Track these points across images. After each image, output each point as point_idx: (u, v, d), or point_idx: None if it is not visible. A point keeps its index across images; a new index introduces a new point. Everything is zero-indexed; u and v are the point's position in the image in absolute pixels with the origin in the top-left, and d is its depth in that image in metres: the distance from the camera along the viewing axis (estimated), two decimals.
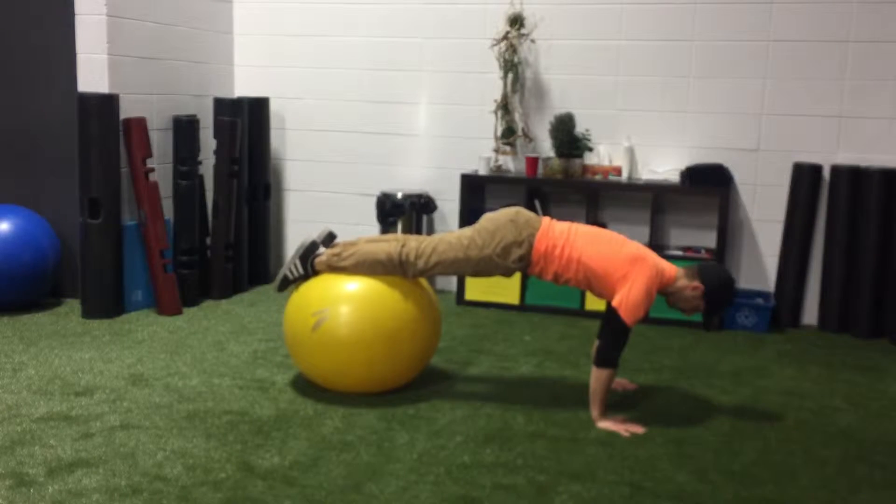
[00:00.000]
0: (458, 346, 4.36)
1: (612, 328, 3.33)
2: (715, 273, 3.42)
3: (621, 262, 3.32)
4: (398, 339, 3.48)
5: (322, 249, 3.58)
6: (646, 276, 3.30)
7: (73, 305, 4.85)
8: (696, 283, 3.36)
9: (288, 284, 3.64)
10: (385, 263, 3.47)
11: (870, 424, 3.47)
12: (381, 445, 3.10)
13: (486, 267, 3.46)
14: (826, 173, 4.89)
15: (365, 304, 3.46)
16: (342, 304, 3.46)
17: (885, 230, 4.70)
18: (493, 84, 5.24)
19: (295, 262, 3.59)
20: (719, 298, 3.41)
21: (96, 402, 3.43)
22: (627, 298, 3.28)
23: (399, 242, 3.50)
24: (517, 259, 3.41)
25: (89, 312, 4.63)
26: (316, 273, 3.57)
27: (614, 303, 3.31)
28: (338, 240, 3.67)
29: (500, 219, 3.47)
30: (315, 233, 3.67)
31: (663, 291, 3.41)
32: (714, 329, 4.71)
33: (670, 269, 3.42)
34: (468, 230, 3.51)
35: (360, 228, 5.63)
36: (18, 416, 3.28)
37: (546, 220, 3.49)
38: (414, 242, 3.49)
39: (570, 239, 3.40)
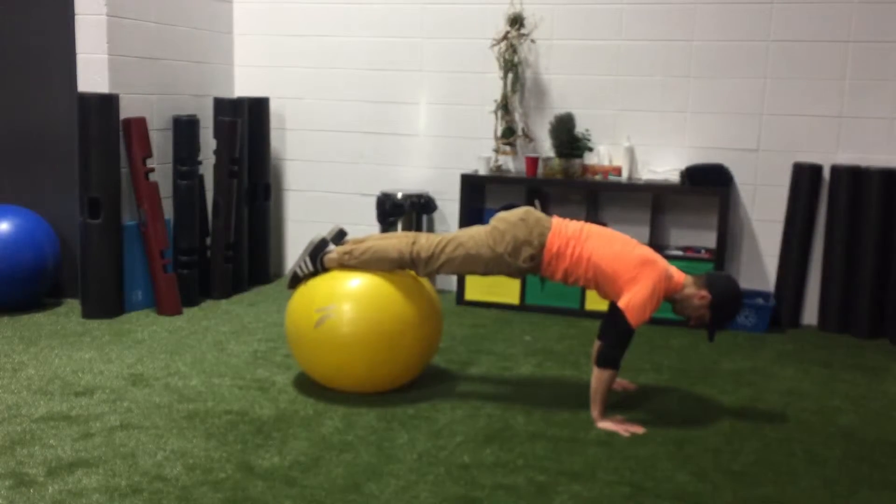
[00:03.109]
0: (458, 346, 4.36)
1: (617, 329, 3.33)
2: (723, 284, 3.40)
3: (631, 264, 3.32)
4: (400, 338, 3.48)
5: (332, 247, 3.58)
6: (653, 279, 3.30)
7: (73, 305, 4.85)
8: (704, 293, 3.35)
9: (298, 282, 3.64)
10: (396, 261, 3.48)
11: (870, 424, 3.47)
12: (381, 445, 3.10)
13: (496, 266, 3.45)
14: (826, 173, 4.89)
15: (367, 303, 3.46)
16: (345, 302, 3.46)
17: (885, 230, 4.70)
18: (493, 84, 5.24)
19: (305, 260, 3.58)
20: (726, 310, 3.38)
21: (96, 402, 3.43)
22: (634, 300, 3.27)
23: (410, 240, 3.49)
24: (528, 258, 3.40)
25: (89, 312, 4.63)
26: (326, 270, 3.57)
27: (621, 304, 3.30)
28: (348, 237, 3.67)
29: (510, 218, 3.46)
30: (325, 230, 3.67)
31: (670, 298, 3.40)
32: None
33: (679, 275, 3.41)
34: (480, 229, 3.50)
35: (360, 228, 5.61)
36: (18, 416, 3.28)
37: (557, 219, 3.48)
38: (424, 240, 3.49)
39: (581, 238, 3.39)
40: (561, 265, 3.40)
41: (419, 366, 3.67)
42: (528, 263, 3.41)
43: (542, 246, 3.39)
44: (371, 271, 3.50)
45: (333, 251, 3.56)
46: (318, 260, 3.57)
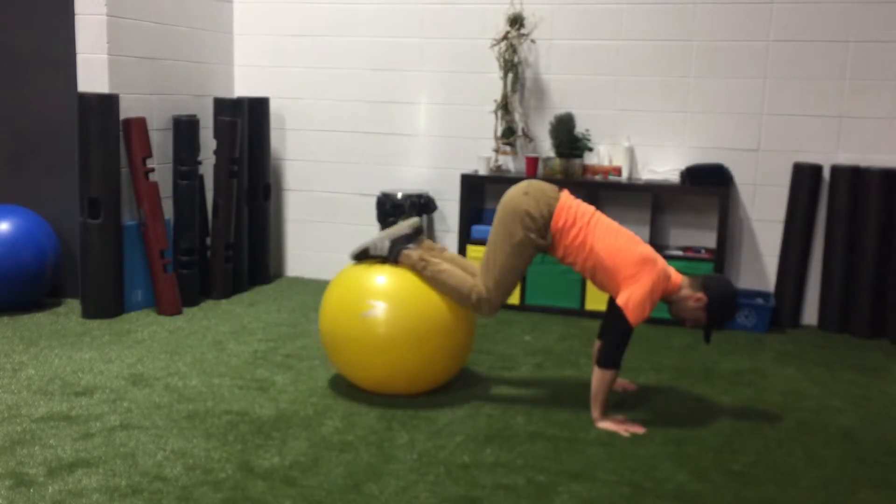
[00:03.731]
0: None
1: (617, 328, 3.33)
2: (720, 286, 3.40)
3: (632, 261, 3.32)
4: (438, 341, 3.49)
5: (412, 245, 3.55)
6: (652, 278, 3.30)
7: (73, 305, 4.85)
8: (700, 295, 3.35)
9: (365, 258, 3.60)
10: (463, 296, 3.46)
11: (870, 424, 3.47)
12: (381, 445, 3.10)
13: (527, 251, 3.40)
14: (826, 173, 4.89)
15: (412, 304, 3.46)
16: (392, 301, 3.44)
17: (885, 230, 4.70)
18: (493, 84, 5.24)
19: (384, 243, 3.55)
20: (722, 312, 3.38)
21: (96, 402, 3.43)
22: (633, 298, 3.27)
23: (479, 287, 3.45)
24: (542, 230, 3.37)
25: (89, 312, 4.63)
26: (396, 262, 3.54)
27: (619, 302, 3.31)
28: (421, 236, 3.64)
29: (513, 198, 3.42)
30: (409, 222, 3.62)
31: (666, 299, 3.40)
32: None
33: (676, 276, 3.41)
34: (493, 235, 3.47)
35: (360, 228, 5.64)
36: (18, 416, 3.28)
37: (566, 194, 3.47)
38: (482, 284, 3.45)
39: (590, 224, 3.38)
40: (562, 242, 3.39)
41: (453, 369, 3.67)
42: (546, 239, 3.38)
43: (550, 216, 3.37)
44: (434, 288, 3.48)
45: (414, 252, 3.53)
46: (396, 250, 3.54)
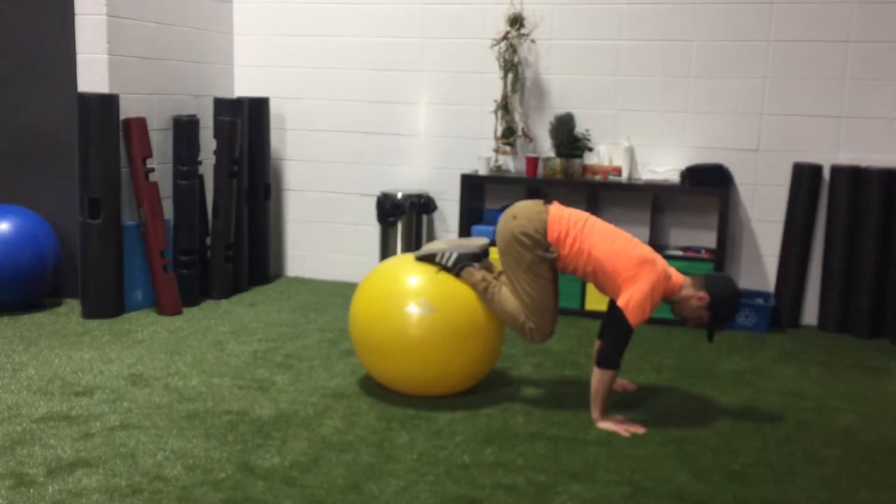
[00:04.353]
0: None
1: (617, 329, 3.33)
2: (721, 284, 3.39)
3: (631, 262, 3.32)
4: (475, 345, 3.51)
5: (476, 264, 3.55)
6: (652, 279, 3.30)
7: (73, 305, 4.85)
8: (702, 294, 3.35)
9: (429, 262, 3.58)
10: (513, 322, 3.49)
11: (870, 424, 3.47)
12: (381, 445, 3.10)
13: (540, 267, 3.42)
14: (826, 173, 4.89)
15: (456, 311, 3.46)
16: (441, 305, 3.44)
17: (885, 230, 4.70)
18: (493, 84, 5.24)
19: (452, 254, 3.54)
20: (724, 310, 3.38)
21: (96, 402, 3.43)
22: (633, 300, 3.28)
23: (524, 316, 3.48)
24: (542, 242, 3.39)
25: (89, 312, 4.64)
26: (457, 274, 3.53)
27: (620, 303, 3.31)
28: (485, 259, 3.65)
29: (505, 226, 3.46)
30: (477, 243, 3.61)
31: (668, 299, 3.40)
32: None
33: (677, 276, 3.41)
34: (506, 267, 3.49)
35: (360, 228, 5.64)
36: (18, 416, 3.28)
37: (555, 207, 3.48)
38: (524, 317, 3.48)
39: (584, 231, 3.40)
40: (560, 253, 3.40)
41: (484, 373, 3.69)
42: (548, 252, 3.40)
43: (545, 232, 3.39)
44: (489, 310, 3.50)
45: (477, 272, 3.52)
46: (461, 265, 3.54)
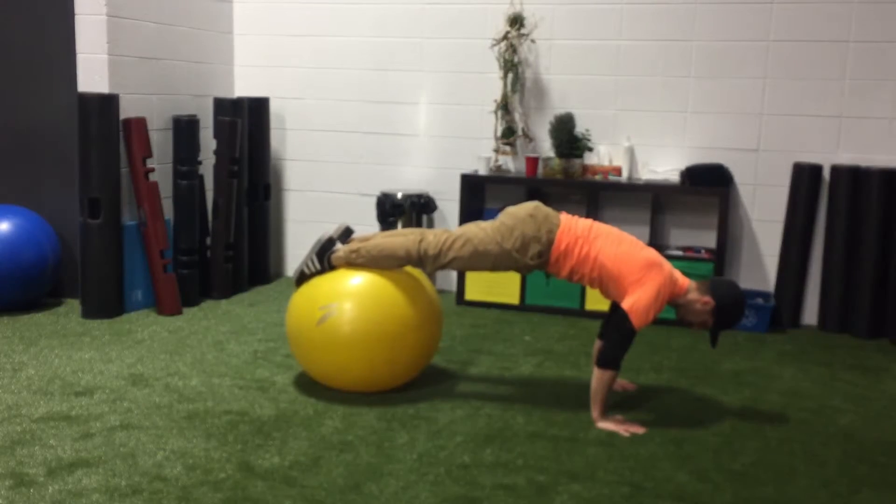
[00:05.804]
0: (457, 346, 4.36)
1: (619, 330, 3.33)
2: (727, 289, 3.40)
3: (637, 266, 3.32)
4: (400, 339, 3.48)
5: (338, 245, 3.57)
6: (658, 283, 3.30)
7: (73, 305, 4.85)
8: (707, 298, 3.34)
9: (305, 279, 3.63)
10: (403, 258, 3.48)
11: (870, 424, 3.47)
12: (381, 445, 3.10)
13: (504, 262, 3.44)
14: (826, 173, 4.89)
15: (368, 303, 3.46)
16: (347, 300, 3.45)
17: (885, 230, 4.70)
18: (493, 84, 5.24)
19: (312, 258, 3.58)
20: (729, 315, 3.38)
21: (96, 402, 3.43)
22: (638, 303, 3.27)
23: (417, 237, 3.48)
24: (536, 255, 3.39)
25: (89, 312, 4.63)
26: (333, 268, 3.57)
27: (625, 306, 3.30)
28: (354, 235, 3.66)
29: (519, 214, 3.45)
30: (332, 228, 3.65)
31: (673, 303, 3.40)
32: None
33: (683, 280, 3.41)
34: (487, 224, 3.48)
35: (360, 228, 5.60)
36: (18, 416, 3.28)
37: (566, 216, 3.47)
38: (432, 237, 3.47)
39: (589, 237, 3.39)
40: (567, 263, 3.40)
41: (420, 365, 3.67)
42: (535, 260, 3.40)
43: (550, 243, 3.38)
44: (377, 269, 3.50)
45: (340, 249, 3.55)
46: (325, 259, 3.56)
